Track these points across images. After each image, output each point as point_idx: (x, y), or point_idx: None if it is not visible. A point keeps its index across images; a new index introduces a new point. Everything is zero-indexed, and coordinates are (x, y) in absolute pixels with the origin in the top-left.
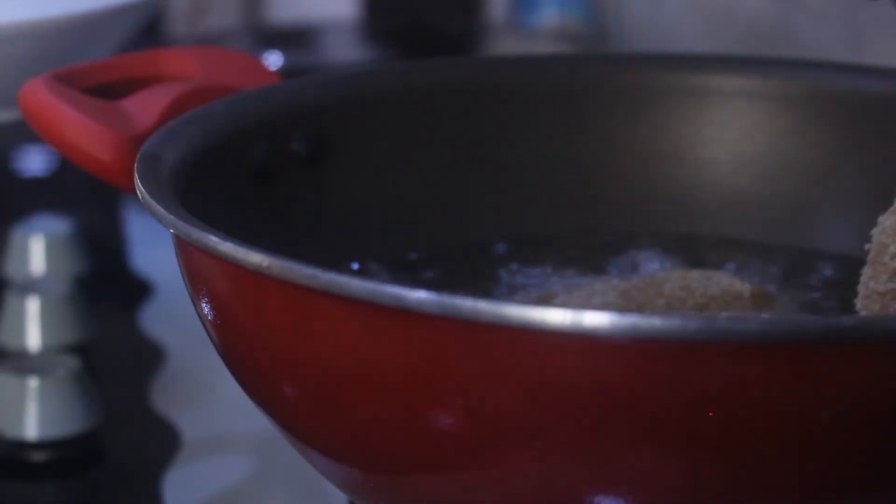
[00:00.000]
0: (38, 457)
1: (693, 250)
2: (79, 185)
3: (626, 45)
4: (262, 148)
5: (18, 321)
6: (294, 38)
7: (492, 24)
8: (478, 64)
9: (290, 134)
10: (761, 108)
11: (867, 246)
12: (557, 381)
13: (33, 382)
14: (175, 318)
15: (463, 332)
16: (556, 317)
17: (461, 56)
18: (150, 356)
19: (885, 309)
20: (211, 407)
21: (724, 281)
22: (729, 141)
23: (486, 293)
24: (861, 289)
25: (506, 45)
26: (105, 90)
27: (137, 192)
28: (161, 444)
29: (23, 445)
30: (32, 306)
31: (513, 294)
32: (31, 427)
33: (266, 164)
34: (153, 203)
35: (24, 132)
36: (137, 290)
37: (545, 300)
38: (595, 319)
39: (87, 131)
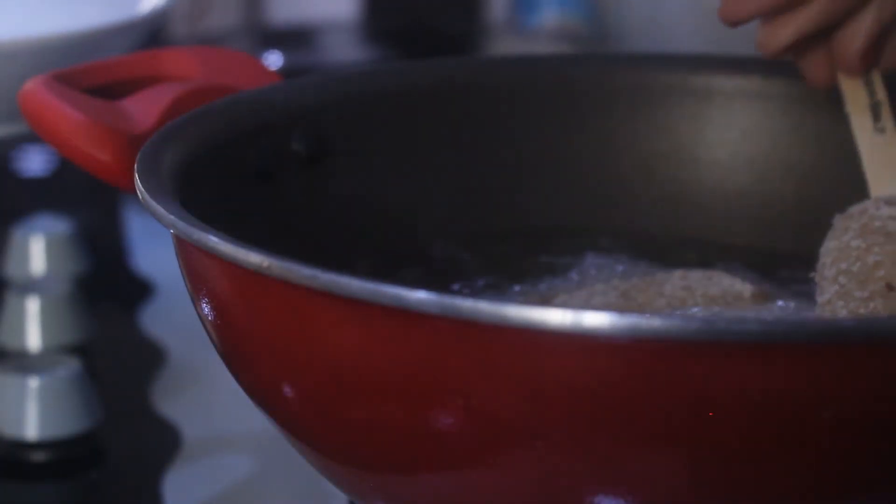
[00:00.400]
0: (38, 457)
1: (693, 250)
2: (79, 185)
3: (626, 45)
4: (262, 148)
5: (18, 321)
6: (294, 38)
7: (492, 24)
8: (478, 64)
9: (290, 134)
10: (761, 108)
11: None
12: (558, 381)
13: (33, 382)
14: (175, 318)
15: (463, 333)
16: (556, 317)
17: (461, 56)
18: (150, 356)
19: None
20: (211, 407)
21: (725, 281)
22: (729, 141)
23: (486, 293)
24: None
25: (506, 45)
26: (105, 90)
27: (137, 192)
28: (161, 444)
29: (23, 445)
30: (32, 306)
31: (513, 294)
32: (31, 427)
33: (266, 164)
34: (153, 203)
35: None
36: (137, 290)
37: (545, 300)
38: (595, 319)
39: (87, 131)
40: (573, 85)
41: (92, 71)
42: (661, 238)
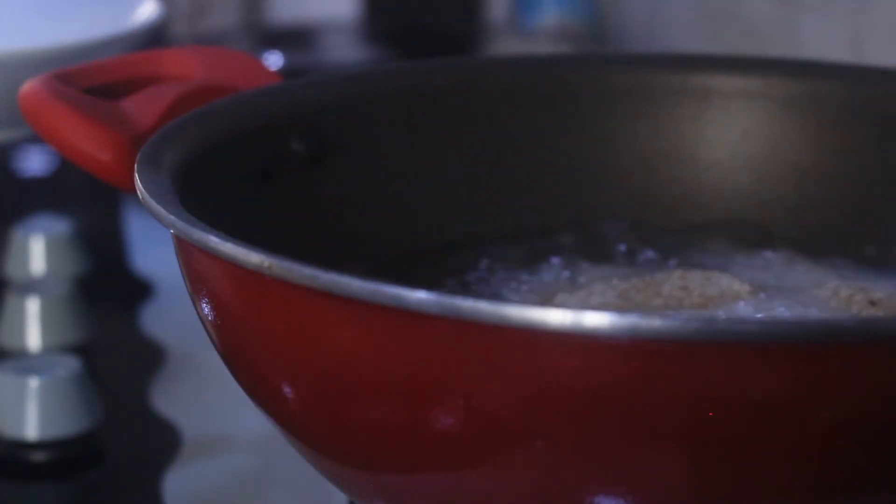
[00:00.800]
0: (38, 457)
1: (693, 250)
2: (79, 185)
3: (626, 45)
4: (263, 148)
5: (18, 321)
6: (294, 38)
7: (492, 24)
8: (478, 64)
9: (290, 134)
10: (761, 109)
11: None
12: (557, 381)
13: (33, 382)
14: (175, 318)
15: (463, 333)
16: (556, 317)
17: (461, 56)
18: (150, 356)
19: None
20: (211, 407)
21: (724, 281)
22: (729, 141)
23: (487, 293)
24: None
25: (506, 45)
26: (105, 90)
27: (137, 192)
28: (161, 444)
29: (23, 445)
30: (32, 306)
31: (513, 294)
32: (31, 427)
33: (266, 165)
34: (153, 203)
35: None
36: (137, 290)
37: (545, 300)
38: (595, 319)
39: (87, 131)
40: (573, 85)
41: (92, 71)
42: (661, 238)
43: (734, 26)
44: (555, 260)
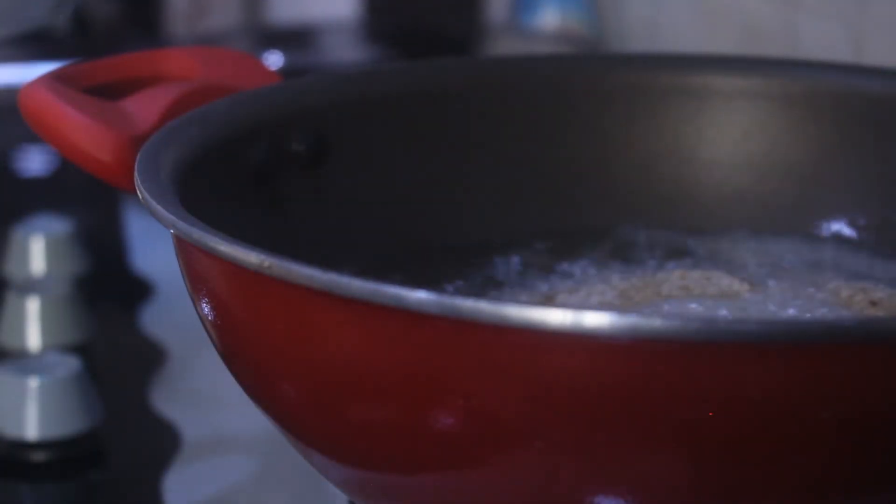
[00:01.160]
0: (38, 457)
1: (693, 250)
2: (79, 185)
3: (626, 45)
4: (262, 148)
5: (18, 321)
6: (294, 38)
7: (492, 25)
8: (478, 64)
9: (290, 134)
10: (761, 108)
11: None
12: (558, 381)
13: (33, 382)
14: (175, 318)
15: (463, 333)
16: (556, 317)
17: (461, 56)
18: (150, 356)
19: None
20: (211, 407)
21: (724, 281)
22: (729, 141)
23: (487, 293)
24: None
25: (506, 45)
26: (105, 90)
27: (137, 192)
28: (161, 444)
29: (23, 445)
30: (32, 306)
31: (513, 294)
32: (31, 427)
33: (266, 165)
34: (153, 203)
35: (24, 132)
36: (137, 290)
37: (545, 300)
38: (595, 319)
39: (87, 131)
40: (573, 85)
41: (92, 71)
42: (661, 238)
43: (734, 26)
44: (554, 259)
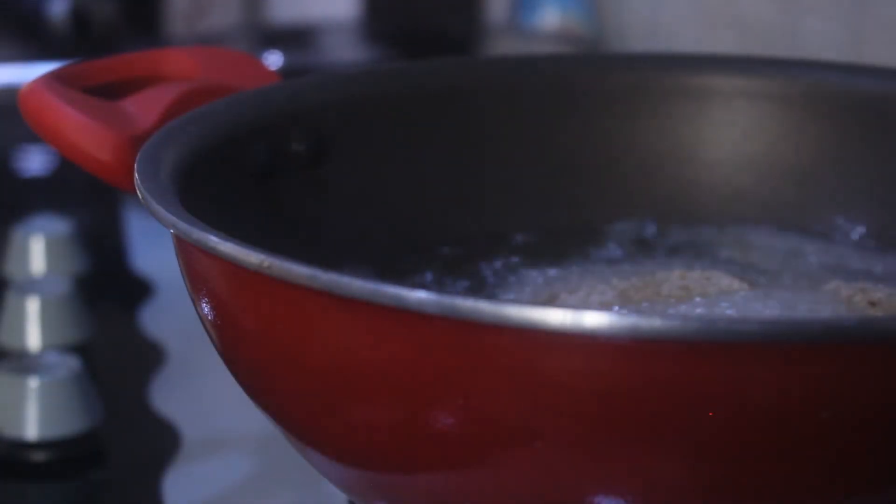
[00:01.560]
0: (38, 457)
1: (693, 250)
2: (79, 185)
3: (626, 45)
4: (262, 148)
5: (18, 321)
6: (294, 38)
7: (492, 25)
8: (478, 64)
9: (290, 134)
10: (761, 109)
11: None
12: (557, 381)
13: (33, 382)
14: (175, 318)
15: (463, 333)
16: (556, 317)
17: (461, 56)
18: (150, 356)
19: None
20: (211, 407)
21: (723, 281)
22: (729, 141)
23: (487, 293)
24: None
25: (506, 45)
26: (105, 90)
27: (137, 192)
28: (161, 444)
29: (23, 445)
30: (32, 306)
31: (514, 294)
32: (31, 427)
33: (266, 165)
34: (153, 203)
35: (24, 132)
36: (137, 290)
37: (545, 300)
38: (595, 319)
39: (87, 131)
40: (573, 85)
41: (92, 71)
42: (661, 238)
43: (734, 26)
44: (555, 260)
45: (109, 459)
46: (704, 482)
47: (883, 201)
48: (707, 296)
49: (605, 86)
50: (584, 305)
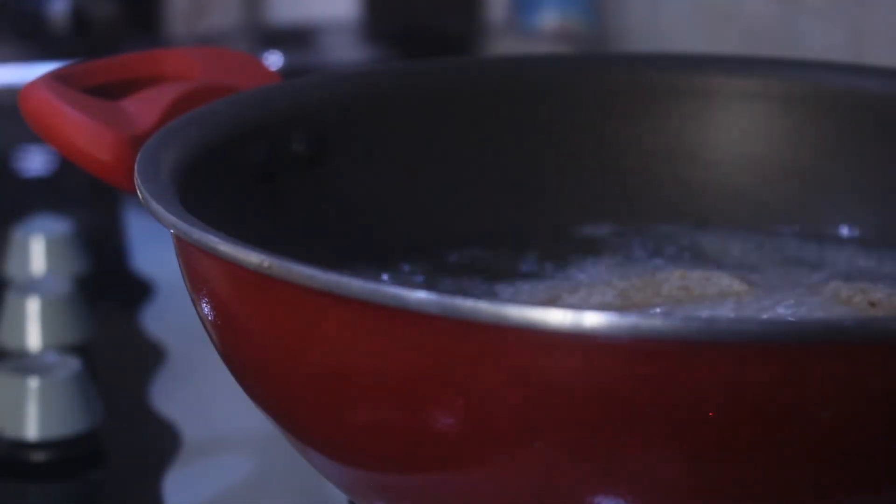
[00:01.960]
0: (38, 457)
1: (693, 250)
2: (79, 185)
3: (626, 45)
4: (262, 148)
5: (18, 321)
6: (294, 38)
7: (492, 25)
8: (478, 64)
9: (290, 134)
10: (762, 109)
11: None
12: (557, 381)
13: (33, 382)
14: (175, 318)
15: (463, 333)
16: (556, 317)
17: (461, 56)
18: (150, 356)
19: None
20: (211, 407)
21: (724, 281)
22: (729, 141)
23: (487, 292)
24: None
25: (506, 45)
26: (105, 90)
27: (137, 192)
28: (161, 444)
29: (23, 445)
30: (32, 306)
31: (514, 294)
32: (31, 427)
33: (266, 165)
34: (153, 203)
35: (24, 132)
36: (137, 290)
37: (545, 300)
38: (595, 319)
39: (87, 131)
40: (573, 85)
41: (92, 71)
42: (661, 238)
43: (734, 26)
44: (554, 260)
45: (109, 459)
46: (704, 482)
47: (883, 201)
48: (707, 296)
49: (605, 86)
50: (584, 305)
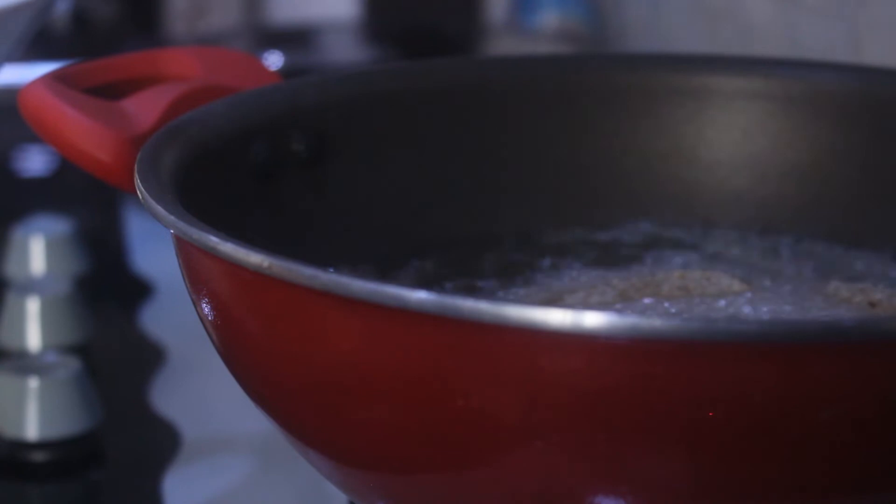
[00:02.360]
0: (38, 457)
1: (693, 250)
2: (79, 185)
3: (626, 45)
4: (262, 148)
5: (18, 321)
6: (294, 38)
7: (492, 24)
8: (478, 64)
9: (290, 134)
10: (762, 109)
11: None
12: (557, 381)
13: (33, 382)
14: (175, 318)
15: (463, 333)
16: (556, 317)
17: (461, 56)
18: (150, 356)
19: None
20: (211, 407)
21: (723, 281)
22: (729, 141)
23: (488, 293)
24: None
25: (506, 45)
26: (105, 90)
27: (137, 192)
28: (161, 444)
29: (23, 445)
30: (32, 306)
31: (513, 293)
32: (31, 427)
33: (266, 164)
34: (153, 203)
35: (24, 132)
36: (137, 290)
37: (545, 300)
38: (595, 320)
39: (87, 131)
40: (573, 85)
41: (92, 71)
42: (661, 238)
43: (734, 26)
44: (555, 260)
45: (109, 459)
46: (704, 482)
47: (883, 201)
48: (707, 296)
49: (605, 86)
50: (584, 305)
